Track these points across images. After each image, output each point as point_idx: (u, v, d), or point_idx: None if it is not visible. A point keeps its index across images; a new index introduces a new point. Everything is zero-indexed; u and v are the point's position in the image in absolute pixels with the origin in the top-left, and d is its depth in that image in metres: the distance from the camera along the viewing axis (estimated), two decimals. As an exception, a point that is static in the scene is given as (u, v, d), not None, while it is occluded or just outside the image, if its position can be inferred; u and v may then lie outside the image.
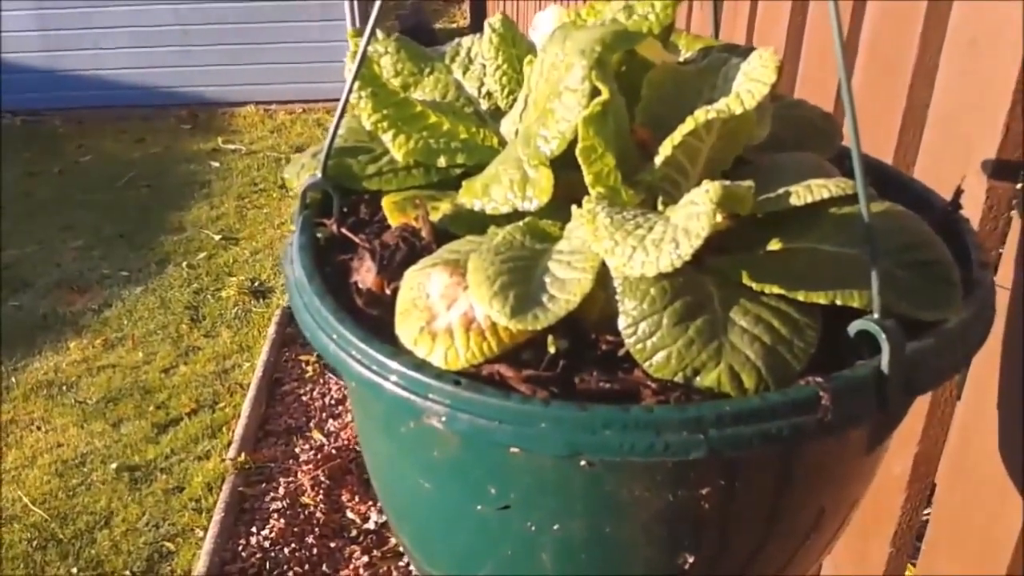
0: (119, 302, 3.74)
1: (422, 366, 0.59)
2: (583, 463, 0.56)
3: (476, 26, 7.00)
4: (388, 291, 0.66)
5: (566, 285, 0.59)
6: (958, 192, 0.76)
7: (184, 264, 4.06)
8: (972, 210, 1.00)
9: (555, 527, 0.62)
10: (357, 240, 0.71)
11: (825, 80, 1.34)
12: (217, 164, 5.25)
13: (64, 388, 3.19)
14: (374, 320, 0.64)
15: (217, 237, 4.32)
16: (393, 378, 0.59)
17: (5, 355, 3.37)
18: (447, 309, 0.61)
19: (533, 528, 0.62)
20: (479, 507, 0.63)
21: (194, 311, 3.68)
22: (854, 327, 0.58)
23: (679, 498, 0.59)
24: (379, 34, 0.84)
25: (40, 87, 6.04)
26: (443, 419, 0.57)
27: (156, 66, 6.10)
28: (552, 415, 0.55)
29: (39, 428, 2.98)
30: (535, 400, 0.56)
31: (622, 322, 0.59)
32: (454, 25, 8.64)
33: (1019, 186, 0.99)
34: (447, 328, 0.60)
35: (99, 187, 4.94)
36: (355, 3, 5.91)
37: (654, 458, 0.54)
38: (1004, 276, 0.99)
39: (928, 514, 1.17)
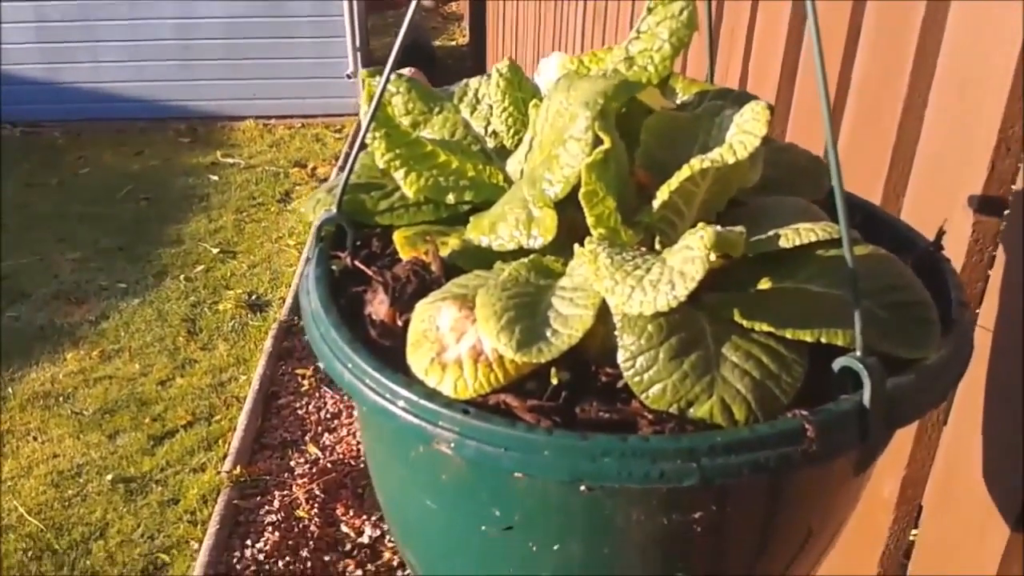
0: (116, 314, 3.77)
1: (433, 395, 0.63)
2: (583, 488, 0.60)
3: (475, 44, 7.06)
4: (400, 323, 0.69)
5: (568, 321, 0.63)
6: (940, 233, 0.80)
7: (181, 277, 4.09)
8: (959, 243, 1.04)
9: (555, 547, 0.65)
10: (370, 273, 0.75)
11: (817, 119, 1.38)
12: (216, 178, 5.29)
13: (61, 399, 3.21)
14: (387, 350, 0.68)
15: (215, 250, 4.35)
16: (405, 405, 0.63)
17: (2, 366, 3.39)
18: (456, 341, 0.64)
19: (534, 548, 0.66)
20: (483, 527, 0.67)
21: (191, 324, 3.70)
22: (838, 364, 0.62)
23: (673, 521, 0.63)
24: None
25: (40, 99, 6.08)
26: (452, 445, 0.61)
27: (156, 80, 6.16)
28: (555, 443, 0.58)
29: (35, 439, 3.00)
30: (539, 429, 0.59)
31: (621, 356, 0.62)
32: (453, 43, 8.72)
33: (1004, 221, 1.03)
34: (456, 360, 0.63)
35: (98, 199, 4.98)
36: (355, 21, 5.98)
37: (650, 485, 0.58)
38: (989, 305, 1.03)
39: (915, 535, 1.20)
